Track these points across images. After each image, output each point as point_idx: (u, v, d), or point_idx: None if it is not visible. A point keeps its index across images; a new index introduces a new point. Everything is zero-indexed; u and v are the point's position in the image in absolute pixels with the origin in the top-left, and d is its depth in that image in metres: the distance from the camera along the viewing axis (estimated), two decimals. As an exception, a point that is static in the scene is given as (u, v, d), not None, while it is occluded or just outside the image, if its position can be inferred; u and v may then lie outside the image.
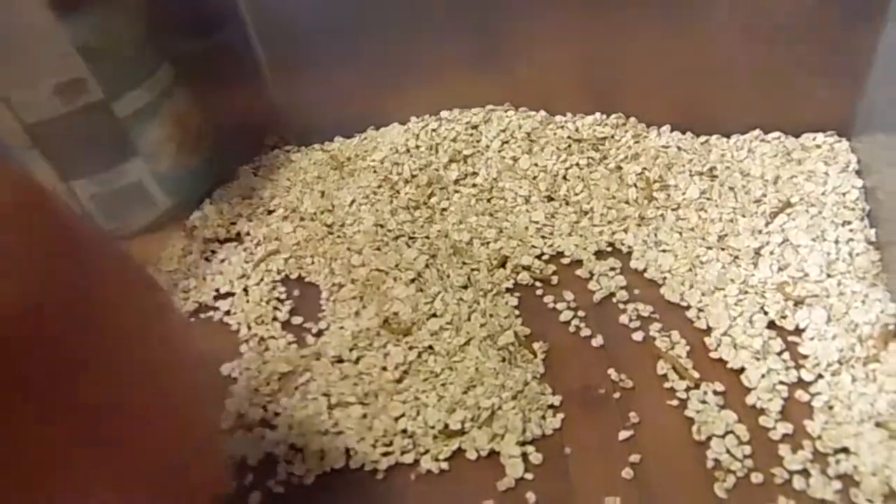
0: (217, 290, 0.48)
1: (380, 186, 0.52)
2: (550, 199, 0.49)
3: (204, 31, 0.54)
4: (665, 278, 0.43)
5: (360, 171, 0.53)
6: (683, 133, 0.52)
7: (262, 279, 0.47)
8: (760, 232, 0.44)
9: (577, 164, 0.50)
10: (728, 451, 0.34)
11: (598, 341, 0.41)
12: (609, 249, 0.46)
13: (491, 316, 0.42)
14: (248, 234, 0.51)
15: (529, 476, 0.35)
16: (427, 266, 0.45)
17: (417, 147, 0.54)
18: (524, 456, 0.36)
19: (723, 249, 0.43)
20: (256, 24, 0.52)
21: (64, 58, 0.45)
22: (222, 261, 0.50)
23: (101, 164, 0.50)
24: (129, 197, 0.51)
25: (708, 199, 0.47)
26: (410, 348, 0.41)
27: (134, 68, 0.49)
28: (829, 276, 0.40)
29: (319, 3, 0.51)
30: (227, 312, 0.46)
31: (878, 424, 0.34)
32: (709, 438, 0.35)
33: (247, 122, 0.59)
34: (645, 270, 0.44)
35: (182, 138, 0.53)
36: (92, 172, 0.49)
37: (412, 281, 0.44)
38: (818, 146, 0.48)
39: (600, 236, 0.46)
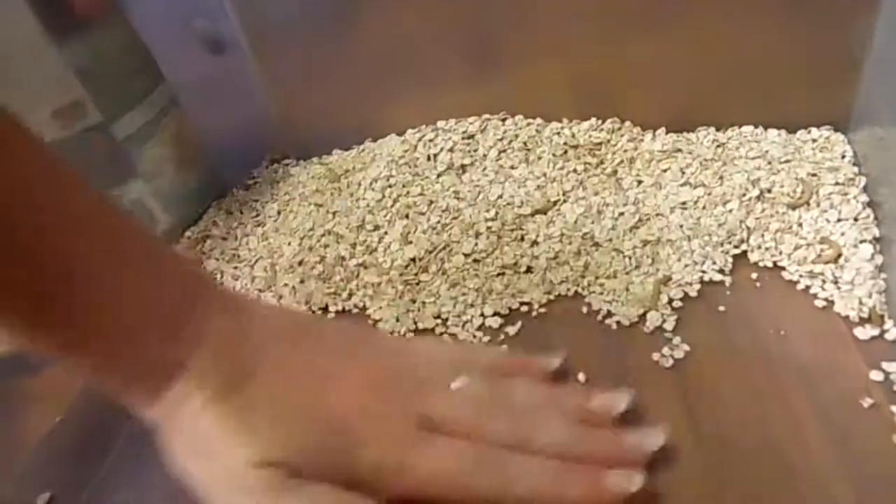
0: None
1: (380, 200, 0.52)
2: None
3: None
4: (666, 280, 0.43)
5: (358, 183, 0.53)
6: (679, 134, 0.51)
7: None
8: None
9: (574, 171, 0.50)
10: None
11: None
12: (609, 253, 0.46)
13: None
14: (246, 248, 0.51)
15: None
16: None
17: (415, 158, 0.54)
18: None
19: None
20: (250, 38, 0.53)
21: (61, 81, 0.45)
22: (219, 275, 0.50)
23: (102, 185, 0.50)
24: (131, 216, 0.52)
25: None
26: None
27: (131, 89, 0.50)
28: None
29: (313, 15, 0.52)
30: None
31: None
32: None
33: (245, 136, 0.59)
34: (647, 274, 0.44)
35: (180, 156, 0.53)
36: (92, 193, 0.50)
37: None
38: (815, 140, 0.48)
39: (599, 240, 0.46)
